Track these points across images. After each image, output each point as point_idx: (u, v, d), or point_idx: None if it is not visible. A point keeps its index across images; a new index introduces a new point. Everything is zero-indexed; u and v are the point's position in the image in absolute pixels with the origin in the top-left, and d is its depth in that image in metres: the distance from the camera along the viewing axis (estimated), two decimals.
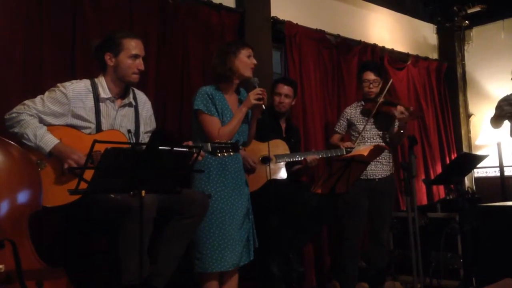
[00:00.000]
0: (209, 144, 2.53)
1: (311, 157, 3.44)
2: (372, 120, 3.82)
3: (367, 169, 3.77)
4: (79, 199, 2.19)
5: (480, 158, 3.87)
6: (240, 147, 2.89)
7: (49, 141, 2.29)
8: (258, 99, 2.82)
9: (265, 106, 2.86)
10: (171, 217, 2.48)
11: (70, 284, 2.04)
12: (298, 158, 3.47)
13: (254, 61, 2.93)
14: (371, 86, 3.84)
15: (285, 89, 3.58)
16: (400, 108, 3.63)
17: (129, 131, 2.12)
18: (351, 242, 3.79)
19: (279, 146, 3.45)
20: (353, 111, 3.96)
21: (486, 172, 5.30)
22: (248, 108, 2.87)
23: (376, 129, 3.86)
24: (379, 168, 3.83)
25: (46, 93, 2.41)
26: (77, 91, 2.43)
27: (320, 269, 4.32)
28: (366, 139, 3.83)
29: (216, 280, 2.84)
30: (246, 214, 2.93)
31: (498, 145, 4.97)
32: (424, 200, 4.94)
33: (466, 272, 3.34)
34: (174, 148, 2.05)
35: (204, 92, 2.87)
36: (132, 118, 2.59)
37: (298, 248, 3.63)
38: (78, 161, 2.24)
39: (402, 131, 3.68)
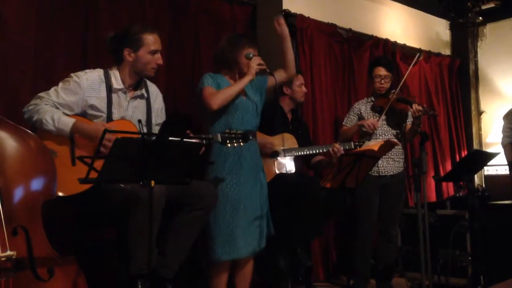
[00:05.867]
0: (219, 135, 2.54)
1: (338, 146, 3.39)
2: (384, 117, 3.80)
3: (379, 165, 3.76)
4: (89, 188, 2.20)
5: (491, 156, 3.84)
6: (251, 137, 2.87)
7: (67, 121, 2.33)
8: (260, 65, 2.80)
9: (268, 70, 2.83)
10: (180, 209, 2.49)
11: (80, 272, 2.06)
12: (307, 152, 3.46)
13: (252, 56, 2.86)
14: (382, 81, 3.81)
15: (302, 79, 3.59)
16: (415, 106, 3.60)
17: (139, 121, 2.13)
18: (364, 239, 3.78)
19: (287, 140, 3.44)
20: (363, 107, 3.93)
21: (496, 170, 5.26)
22: (251, 76, 2.81)
23: (387, 126, 3.84)
24: (391, 165, 3.82)
25: (60, 84, 2.43)
26: (91, 80, 2.45)
27: (327, 263, 4.32)
28: (378, 135, 3.81)
29: (227, 272, 2.85)
30: (262, 202, 2.91)
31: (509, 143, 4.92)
32: (433, 197, 4.91)
33: (474, 270, 3.32)
34: (184, 139, 2.06)
35: (207, 75, 2.86)
36: (143, 110, 2.61)
37: (306, 242, 3.63)
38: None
39: (416, 128, 3.65)
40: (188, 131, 2.43)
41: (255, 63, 2.79)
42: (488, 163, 5.15)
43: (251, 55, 2.83)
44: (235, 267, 2.90)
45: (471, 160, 3.47)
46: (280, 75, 2.99)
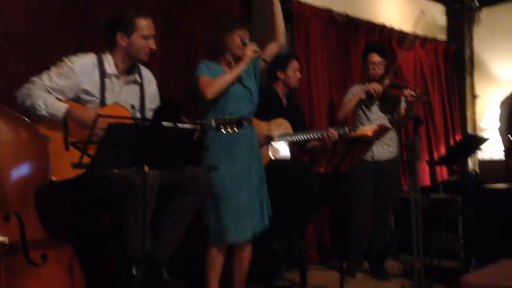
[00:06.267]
0: (213, 120, 2.53)
1: (332, 131, 3.40)
2: (377, 102, 3.81)
3: (374, 150, 3.79)
4: (83, 174, 2.20)
5: (482, 141, 3.86)
6: (245, 123, 2.86)
7: (60, 107, 2.33)
8: (255, 52, 2.78)
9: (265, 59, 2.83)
10: (175, 194, 2.50)
11: (74, 257, 2.08)
12: (301, 137, 3.47)
13: (247, 43, 2.83)
14: (376, 68, 3.82)
15: (297, 64, 3.59)
16: (408, 91, 3.62)
17: (132, 106, 2.14)
18: (358, 223, 3.83)
19: (282, 125, 3.45)
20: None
21: (491, 154, 5.29)
22: (246, 64, 2.79)
23: (381, 111, 3.85)
24: (385, 150, 3.85)
25: (53, 69, 2.42)
26: (84, 65, 2.44)
27: (322, 247, 4.37)
28: (372, 120, 3.83)
29: (223, 256, 2.87)
30: (258, 188, 2.92)
31: None
32: (427, 181, 4.95)
33: (466, 253, 3.37)
34: (178, 124, 2.06)
35: (202, 63, 2.86)
36: (137, 95, 2.60)
37: (300, 227, 3.66)
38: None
39: (409, 114, 3.67)
40: (182, 117, 2.44)
41: (250, 50, 2.77)
42: (483, 148, 5.22)
43: (246, 41, 2.82)
44: (233, 255, 2.92)
45: (464, 145, 3.49)
46: (271, 49, 2.96)
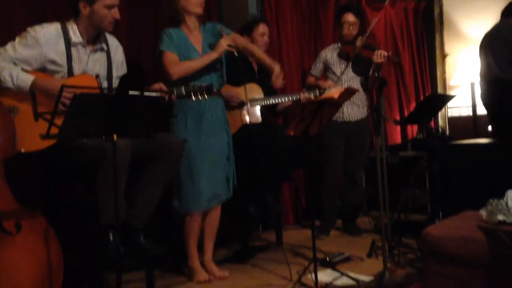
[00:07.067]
0: (182, 87, 2.57)
1: (304, 96, 3.48)
2: (350, 63, 3.85)
3: (344, 112, 3.87)
4: (53, 144, 2.23)
5: (448, 98, 3.97)
6: (215, 89, 2.91)
7: (26, 78, 2.33)
8: (230, 46, 2.84)
9: (236, 54, 2.88)
10: (148, 162, 2.54)
11: (49, 226, 2.12)
12: (273, 101, 3.52)
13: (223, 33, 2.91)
14: (350, 28, 3.84)
15: (266, 28, 3.59)
16: (379, 52, 3.66)
17: (97, 76, 2.14)
18: (330, 183, 3.95)
19: (254, 90, 3.49)
20: (329, 54, 3.98)
21: (459, 111, 5.42)
22: (219, 54, 2.87)
23: (353, 72, 3.91)
24: (355, 111, 3.92)
25: (17, 39, 2.40)
26: (48, 35, 2.43)
27: (297, 208, 4.49)
28: (343, 82, 3.89)
29: (200, 218, 2.98)
30: (226, 157, 3.02)
31: (472, 85, 5.05)
32: (398, 139, 5.07)
33: (432, 207, 3.51)
34: (145, 93, 2.09)
35: (164, 33, 2.87)
36: (104, 63, 2.60)
37: (275, 188, 3.76)
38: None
39: (377, 75, 3.73)
40: (155, 85, 2.47)
41: (225, 42, 2.84)
42: (452, 105, 5.35)
43: (223, 32, 2.90)
44: (203, 214, 3.02)
45: (429, 103, 3.58)
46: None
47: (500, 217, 2.17)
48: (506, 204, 2.23)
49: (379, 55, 3.64)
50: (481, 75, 3.72)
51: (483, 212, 2.27)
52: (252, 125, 3.40)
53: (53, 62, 2.43)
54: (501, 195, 2.28)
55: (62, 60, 2.44)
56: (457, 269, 2.15)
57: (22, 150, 2.22)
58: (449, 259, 2.17)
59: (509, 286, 2.03)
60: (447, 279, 2.17)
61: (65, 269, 2.15)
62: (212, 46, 2.93)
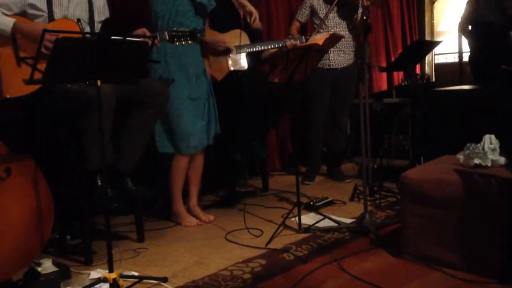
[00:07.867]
0: (166, 33, 2.56)
1: (290, 43, 3.46)
2: (335, 8, 3.82)
3: (330, 58, 3.86)
4: (38, 90, 2.23)
5: (434, 44, 3.96)
6: (199, 35, 2.90)
7: (7, 22, 2.29)
8: None
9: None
10: (134, 107, 2.56)
11: (37, 169, 2.16)
12: (259, 48, 3.50)
13: None
14: None
15: None
16: None
17: (78, 20, 2.10)
18: (316, 130, 4.00)
19: (239, 36, 3.46)
20: (315, 0, 3.92)
21: (446, 58, 5.44)
22: None
23: (339, 18, 3.87)
24: (342, 57, 3.92)
25: None
26: None
27: (283, 154, 4.57)
28: (330, 27, 3.86)
29: (188, 161, 3.03)
30: (206, 100, 3.04)
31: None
32: (384, 86, 5.10)
33: (414, 152, 3.59)
34: (127, 38, 2.07)
35: None
36: (85, 7, 2.55)
37: (261, 135, 3.81)
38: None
39: (365, 19, 3.69)
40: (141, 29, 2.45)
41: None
42: (438, 52, 5.35)
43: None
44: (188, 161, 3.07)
45: (415, 49, 3.59)
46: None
47: (476, 161, 2.25)
48: (483, 148, 2.31)
49: None
50: (467, 19, 3.72)
51: (460, 156, 2.35)
52: (238, 72, 3.40)
53: (33, 6, 2.38)
54: (479, 140, 2.35)
55: (42, 4, 2.39)
56: (433, 210, 2.24)
57: (7, 96, 2.22)
58: (426, 201, 2.26)
59: (481, 226, 2.13)
60: (424, 219, 2.27)
61: (55, 213, 2.21)
62: None
